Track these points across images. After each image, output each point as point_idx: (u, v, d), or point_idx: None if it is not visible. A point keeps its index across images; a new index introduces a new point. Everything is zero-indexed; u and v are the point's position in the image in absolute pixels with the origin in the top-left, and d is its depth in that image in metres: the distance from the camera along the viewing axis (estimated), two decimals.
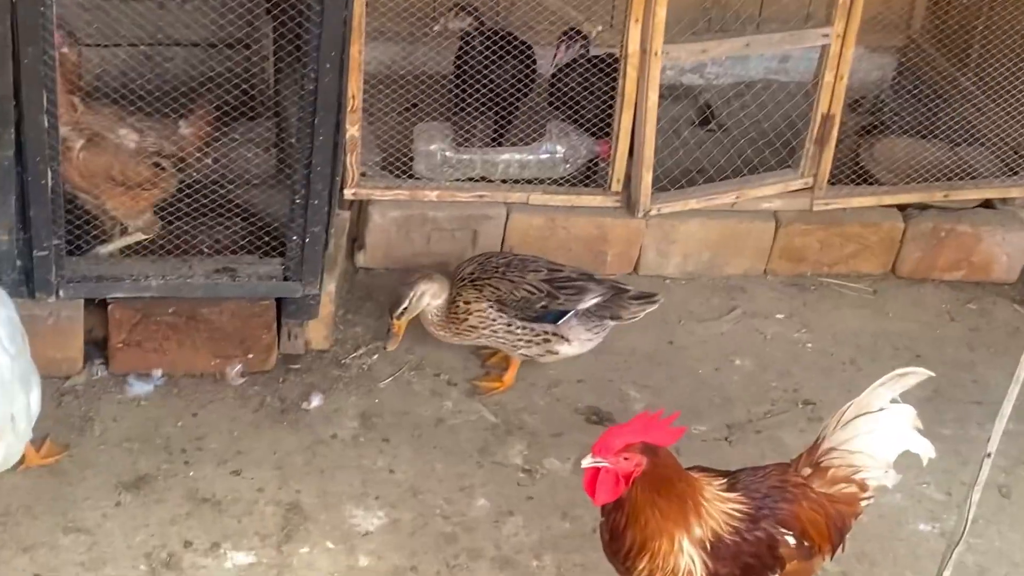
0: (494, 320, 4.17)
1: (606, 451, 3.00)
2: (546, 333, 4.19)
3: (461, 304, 4.20)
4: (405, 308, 4.17)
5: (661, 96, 4.74)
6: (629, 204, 4.87)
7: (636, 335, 4.65)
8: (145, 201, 4.11)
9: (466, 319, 4.20)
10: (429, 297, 4.18)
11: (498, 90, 4.77)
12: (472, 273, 4.25)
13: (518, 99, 4.89)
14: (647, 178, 4.80)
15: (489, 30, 4.82)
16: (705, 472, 3.19)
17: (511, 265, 4.23)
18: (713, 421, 4.30)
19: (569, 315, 4.17)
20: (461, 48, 4.89)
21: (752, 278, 5.03)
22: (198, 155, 4.11)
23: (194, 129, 4.15)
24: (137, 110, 4.04)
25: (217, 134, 4.13)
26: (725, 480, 3.16)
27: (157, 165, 4.08)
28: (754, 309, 4.89)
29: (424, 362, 4.45)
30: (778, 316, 4.86)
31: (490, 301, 4.15)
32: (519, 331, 4.17)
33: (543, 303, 4.15)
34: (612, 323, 4.26)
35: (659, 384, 4.44)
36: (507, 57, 4.79)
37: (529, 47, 4.94)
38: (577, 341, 4.23)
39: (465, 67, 4.83)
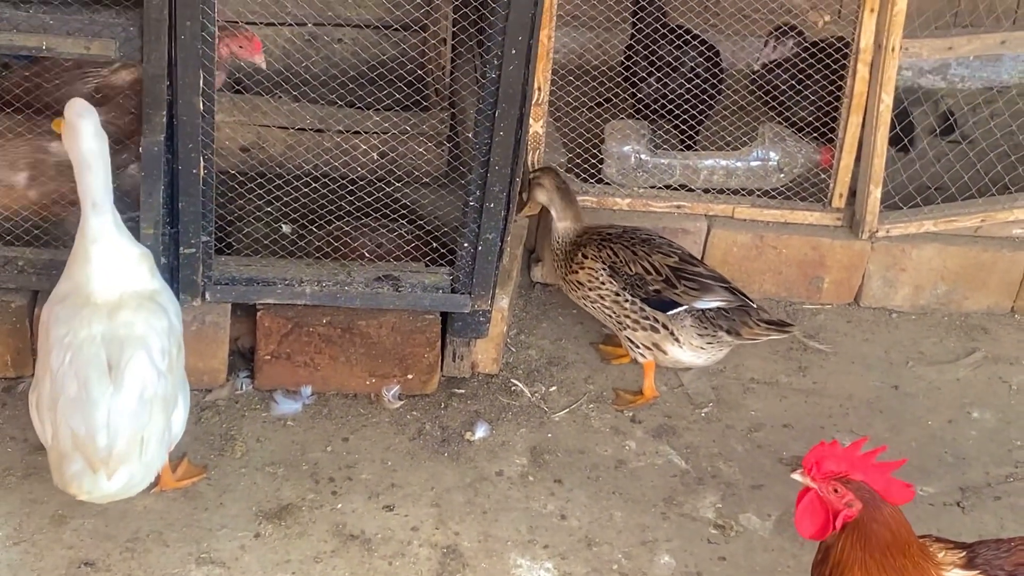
0: (602, 284, 4.33)
1: (817, 470, 3.03)
2: (655, 321, 4.28)
3: (579, 255, 4.40)
4: (519, 182, 4.34)
5: (896, 99, 4.65)
6: (853, 223, 4.84)
7: (855, 377, 4.64)
8: None
9: (576, 272, 4.39)
10: (545, 197, 4.47)
11: (675, 89, 4.85)
12: (610, 234, 4.43)
13: (704, 99, 4.92)
14: (875, 194, 4.73)
15: (664, 24, 4.91)
16: (941, 543, 3.15)
17: (649, 242, 4.40)
18: (943, 482, 4.24)
19: (681, 309, 4.28)
20: (630, 44, 5.00)
21: (997, 316, 4.97)
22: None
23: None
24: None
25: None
26: (964, 553, 3.12)
27: None
28: (998, 353, 4.81)
29: (605, 394, 4.49)
30: None
31: (605, 264, 4.34)
32: (627, 305, 4.31)
33: (657, 287, 4.29)
34: (729, 339, 4.34)
35: (880, 435, 4.38)
36: (684, 53, 4.87)
37: (709, 45, 5.00)
38: (688, 347, 4.33)
39: (633, 64, 4.95)
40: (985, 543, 3.17)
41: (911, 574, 3.00)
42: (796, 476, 3.06)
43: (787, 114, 4.95)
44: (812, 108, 4.86)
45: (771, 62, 4.94)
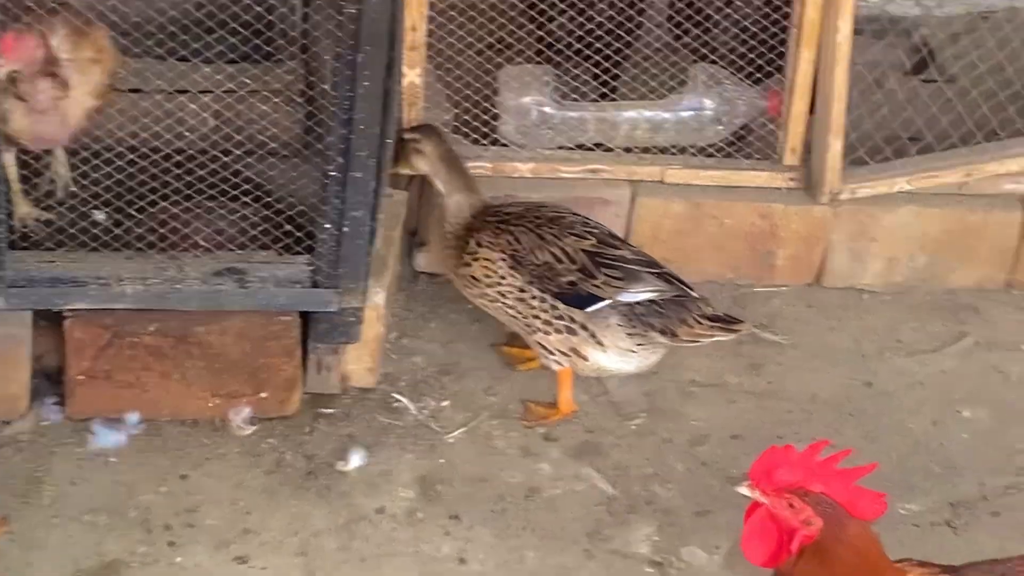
0: (503, 279, 4.38)
1: (767, 481, 3.04)
2: (571, 320, 4.33)
3: (472, 244, 4.43)
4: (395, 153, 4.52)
5: (857, 30, 4.75)
6: (809, 184, 4.93)
7: (819, 374, 4.71)
8: None
9: (470, 265, 4.43)
10: (427, 167, 4.53)
11: (585, 23, 4.87)
12: (509, 213, 4.46)
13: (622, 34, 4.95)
14: (836, 147, 4.82)
15: None
16: (922, 567, 3.15)
17: (558, 220, 4.43)
18: (930, 497, 4.31)
19: (603, 304, 4.30)
20: None
21: (989, 292, 5.08)
22: None
23: None
24: None
25: None
26: None
27: None
28: (992, 338, 4.91)
29: (511, 408, 4.53)
30: None
31: (504, 253, 4.38)
32: (535, 304, 4.35)
33: (571, 278, 4.32)
34: (663, 340, 4.38)
35: (851, 443, 4.15)
36: None
37: None
38: (614, 349, 4.37)
39: None
40: (976, 566, 3.20)
41: None
42: (742, 489, 3.07)
43: (709, 50, 4.96)
44: (738, 36, 4.91)
45: None
